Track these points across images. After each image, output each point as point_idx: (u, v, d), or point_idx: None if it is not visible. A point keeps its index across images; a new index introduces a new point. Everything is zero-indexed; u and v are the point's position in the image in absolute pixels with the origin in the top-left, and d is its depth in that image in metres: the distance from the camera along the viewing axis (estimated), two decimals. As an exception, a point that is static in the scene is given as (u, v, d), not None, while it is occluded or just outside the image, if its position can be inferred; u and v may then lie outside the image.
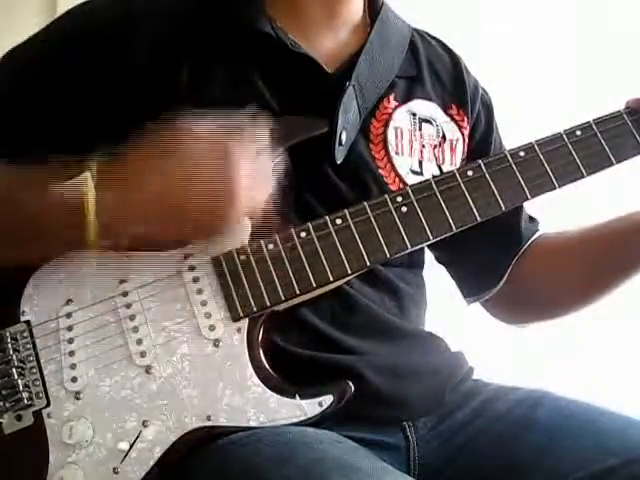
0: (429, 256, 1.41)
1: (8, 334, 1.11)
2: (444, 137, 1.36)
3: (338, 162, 1.22)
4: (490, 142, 1.44)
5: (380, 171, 1.26)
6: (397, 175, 1.28)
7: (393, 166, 1.28)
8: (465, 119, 1.39)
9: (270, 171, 1.10)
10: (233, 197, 1.06)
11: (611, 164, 1.20)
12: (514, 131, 1.47)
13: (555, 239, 1.45)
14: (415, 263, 1.32)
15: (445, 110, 1.37)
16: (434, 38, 1.45)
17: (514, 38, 2.42)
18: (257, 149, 1.10)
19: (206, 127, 1.07)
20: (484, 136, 1.43)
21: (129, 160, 1.08)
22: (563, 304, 1.44)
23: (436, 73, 1.39)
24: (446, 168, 1.34)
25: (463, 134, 1.39)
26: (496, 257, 1.40)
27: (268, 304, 1.11)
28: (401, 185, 1.27)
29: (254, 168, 1.08)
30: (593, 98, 2.23)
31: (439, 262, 1.46)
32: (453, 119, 1.38)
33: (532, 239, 1.44)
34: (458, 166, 1.36)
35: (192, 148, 1.06)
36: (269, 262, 1.12)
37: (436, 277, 1.42)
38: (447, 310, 1.61)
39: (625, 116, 1.21)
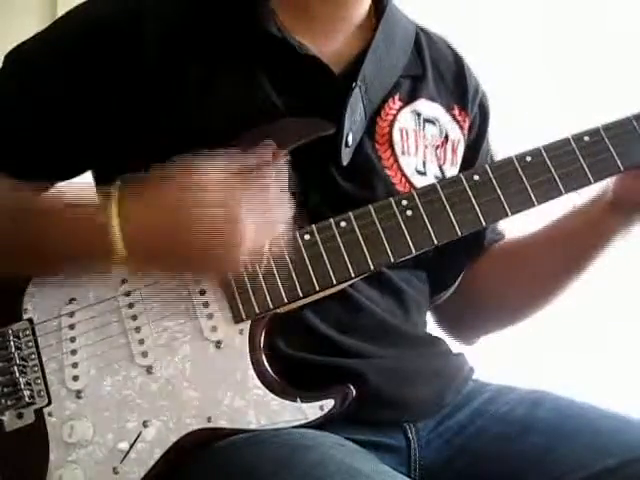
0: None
1: (10, 332, 1.11)
2: (447, 137, 1.35)
3: (344, 164, 1.21)
4: (480, 147, 1.43)
5: (387, 171, 1.26)
6: (403, 175, 1.27)
7: (399, 166, 1.27)
8: (466, 120, 1.39)
9: (280, 216, 1.09)
10: (236, 245, 1.05)
11: (619, 171, 1.18)
12: (514, 132, 1.47)
13: (509, 242, 1.45)
14: (420, 265, 1.32)
15: (448, 111, 1.36)
16: (439, 36, 1.44)
17: (515, 38, 2.41)
18: (269, 200, 1.08)
19: (220, 171, 1.06)
20: (475, 140, 1.42)
21: (148, 191, 1.08)
22: (511, 306, 1.44)
23: (440, 72, 1.38)
24: (447, 169, 1.34)
25: (464, 135, 1.38)
26: (455, 258, 1.37)
27: (271, 306, 1.11)
28: (407, 186, 1.26)
29: (261, 219, 1.07)
30: (595, 99, 2.22)
31: None
32: (455, 119, 1.37)
33: (493, 245, 1.44)
34: (459, 167, 1.37)
35: (204, 194, 1.05)
36: (272, 264, 1.12)
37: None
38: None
39: (634, 122, 1.20)
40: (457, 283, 1.42)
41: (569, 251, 1.34)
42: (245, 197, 1.05)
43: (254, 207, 1.05)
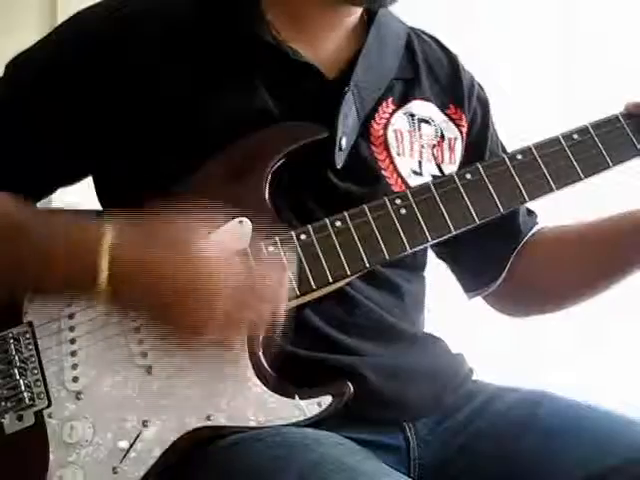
0: (430, 256, 1.42)
1: (10, 335, 1.12)
2: (442, 136, 1.36)
3: (338, 167, 1.22)
4: (487, 138, 1.44)
5: (383, 172, 1.27)
6: (399, 176, 1.28)
7: (395, 167, 1.28)
8: (463, 117, 1.39)
9: (265, 313, 1.07)
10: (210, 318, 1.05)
11: (608, 167, 1.20)
12: (511, 132, 1.48)
13: (554, 234, 1.45)
14: (418, 264, 1.33)
15: (443, 110, 1.37)
16: (430, 36, 1.45)
17: (513, 38, 2.42)
18: (261, 291, 1.07)
19: (225, 242, 1.08)
20: (480, 132, 1.43)
21: (142, 235, 1.08)
22: (561, 298, 1.45)
23: (433, 73, 1.39)
24: (445, 167, 1.35)
25: (462, 132, 1.39)
26: (495, 251, 1.40)
27: (269, 305, 1.11)
28: (403, 186, 1.27)
29: (247, 304, 1.06)
30: (590, 99, 2.23)
31: (439, 257, 1.47)
32: (451, 118, 1.38)
33: (531, 232, 1.44)
34: (458, 164, 1.37)
35: (203, 259, 1.05)
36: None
37: (436, 278, 1.42)
38: (447, 311, 1.61)
39: (621, 119, 1.22)
40: (504, 274, 1.43)
41: (615, 252, 1.35)
42: (242, 280, 1.05)
43: (244, 292, 1.05)
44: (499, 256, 1.42)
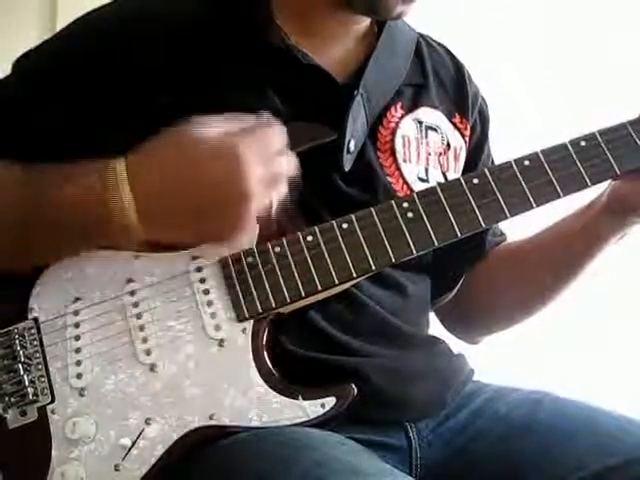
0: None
1: (16, 330, 1.12)
2: (449, 145, 1.37)
3: (346, 169, 1.22)
4: (481, 153, 1.45)
5: (388, 178, 1.27)
6: (405, 182, 1.29)
7: (401, 174, 1.28)
8: (468, 127, 1.40)
9: (282, 174, 1.11)
10: (244, 199, 1.07)
11: (615, 174, 1.20)
12: (514, 134, 1.48)
13: (509, 245, 1.47)
14: (424, 266, 1.33)
15: (449, 118, 1.38)
16: (439, 44, 1.46)
17: (513, 39, 2.42)
18: (270, 151, 1.10)
19: (221, 128, 1.09)
20: (477, 145, 1.44)
21: (153, 153, 1.10)
22: (512, 307, 1.46)
23: (441, 81, 1.40)
24: (450, 176, 1.35)
25: (466, 142, 1.40)
26: (457, 261, 1.40)
27: (273, 306, 1.12)
28: (409, 192, 1.27)
29: (266, 171, 1.09)
30: (593, 101, 2.23)
31: None
32: (457, 127, 1.39)
33: (494, 248, 1.45)
34: (461, 174, 1.37)
35: (207, 149, 1.08)
36: (275, 264, 1.13)
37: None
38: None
39: (629, 127, 1.21)
40: (458, 285, 1.44)
41: (564, 255, 1.35)
42: (246, 149, 1.07)
43: (256, 158, 1.07)
44: (458, 266, 1.43)
